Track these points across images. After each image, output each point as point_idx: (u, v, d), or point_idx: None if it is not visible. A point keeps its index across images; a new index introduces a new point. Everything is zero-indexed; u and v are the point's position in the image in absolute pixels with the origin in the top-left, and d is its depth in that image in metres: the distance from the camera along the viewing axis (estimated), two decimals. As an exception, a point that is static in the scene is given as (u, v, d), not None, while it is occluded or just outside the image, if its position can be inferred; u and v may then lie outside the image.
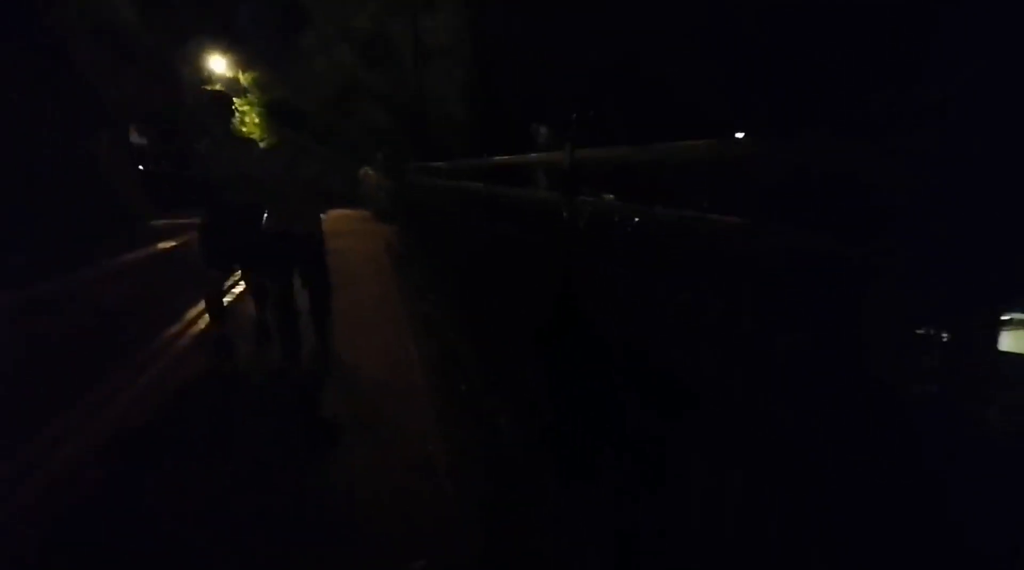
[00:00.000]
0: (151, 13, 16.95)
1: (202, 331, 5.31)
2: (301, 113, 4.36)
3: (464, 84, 17.20)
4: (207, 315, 4.70)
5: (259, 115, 27.73)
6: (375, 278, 7.98)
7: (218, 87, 26.74)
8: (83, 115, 14.33)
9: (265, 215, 4.08)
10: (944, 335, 0.95)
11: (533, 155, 3.21)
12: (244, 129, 28.02)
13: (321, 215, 4.34)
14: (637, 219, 1.88)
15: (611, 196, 2.50)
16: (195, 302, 5.98)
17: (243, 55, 25.94)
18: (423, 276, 6.71)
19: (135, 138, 16.98)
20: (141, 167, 19.98)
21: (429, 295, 6.04)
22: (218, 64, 25.41)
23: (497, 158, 3.58)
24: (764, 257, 1.23)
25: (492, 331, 3.40)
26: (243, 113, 28.05)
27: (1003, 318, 0.96)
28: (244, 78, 27.41)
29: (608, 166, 2.21)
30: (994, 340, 0.92)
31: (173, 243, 11.91)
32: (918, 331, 0.99)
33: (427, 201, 6.64)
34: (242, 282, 6.35)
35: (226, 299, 5.41)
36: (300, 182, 4.02)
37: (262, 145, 4.67)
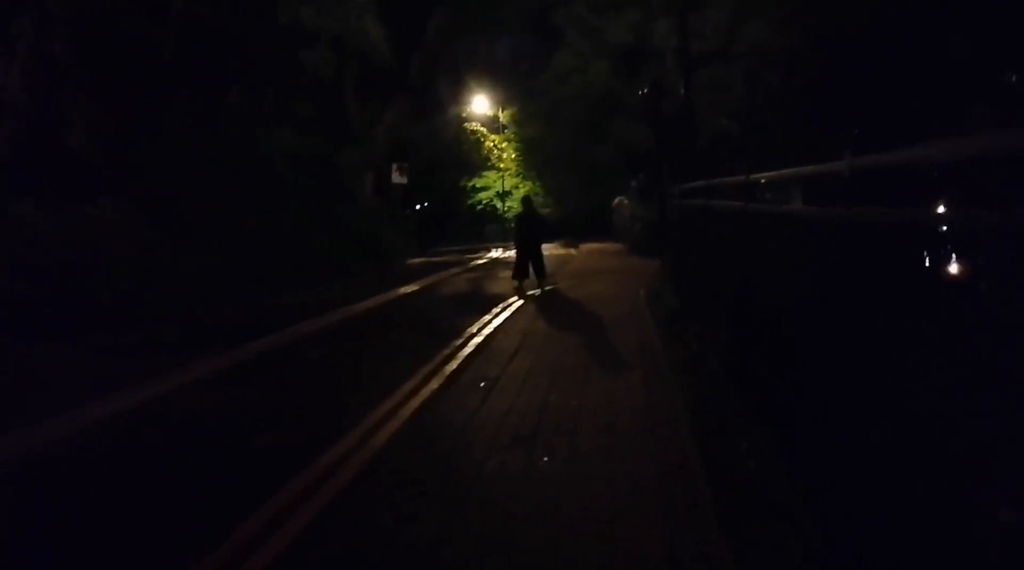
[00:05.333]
0: (414, 54, 17.21)
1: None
2: None
3: (743, 90, 14.16)
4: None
5: (516, 151, 27.79)
6: (633, 359, 5.52)
7: (476, 125, 27.46)
8: (349, 157, 14.68)
9: None
10: None
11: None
12: (501, 165, 28.33)
13: None
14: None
15: None
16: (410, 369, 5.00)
17: (503, 93, 26.15)
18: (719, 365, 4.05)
19: (396, 177, 17.30)
20: (407, 211, 20.68)
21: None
22: (480, 103, 25.87)
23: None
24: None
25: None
26: (501, 150, 28.40)
27: None
28: (503, 115, 27.71)
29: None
30: None
31: (416, 287, 11.02)
32: None
33: (705, 230, 5.12)
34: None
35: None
36: None
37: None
